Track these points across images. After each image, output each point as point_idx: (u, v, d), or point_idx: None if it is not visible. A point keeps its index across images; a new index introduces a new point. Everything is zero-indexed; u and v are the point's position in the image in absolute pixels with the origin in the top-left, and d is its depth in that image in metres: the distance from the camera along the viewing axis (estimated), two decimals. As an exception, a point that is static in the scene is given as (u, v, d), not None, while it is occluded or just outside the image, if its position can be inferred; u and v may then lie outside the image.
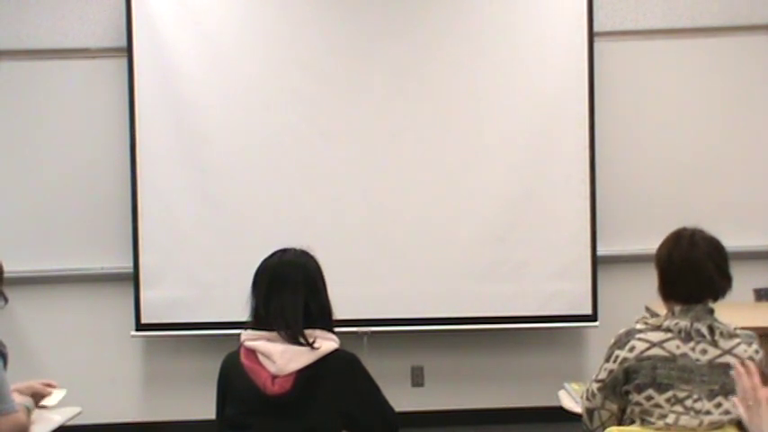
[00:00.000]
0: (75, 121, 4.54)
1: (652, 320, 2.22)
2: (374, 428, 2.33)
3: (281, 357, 2.17)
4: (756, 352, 2.18)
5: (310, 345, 2.19)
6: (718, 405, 2.12)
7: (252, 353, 2.23)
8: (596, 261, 4.35)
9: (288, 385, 2.16)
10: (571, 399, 2.78)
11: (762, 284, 4.23)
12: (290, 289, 2.26)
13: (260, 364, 2.20)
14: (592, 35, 4.35)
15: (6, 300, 2.68)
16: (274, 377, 2.17)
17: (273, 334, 2.22)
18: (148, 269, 4.35)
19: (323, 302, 2.31)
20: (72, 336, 4.57)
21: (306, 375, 2.17)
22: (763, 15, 4.53)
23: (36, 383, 2.80)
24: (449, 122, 4.37)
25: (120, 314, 4.44)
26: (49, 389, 2.82)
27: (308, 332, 2.22)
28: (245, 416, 2.21)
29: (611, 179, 4.48)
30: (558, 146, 4.35)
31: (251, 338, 2.25)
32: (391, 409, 2.37)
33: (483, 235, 4.36)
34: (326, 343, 2.23)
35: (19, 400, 2.59)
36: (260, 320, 2.27)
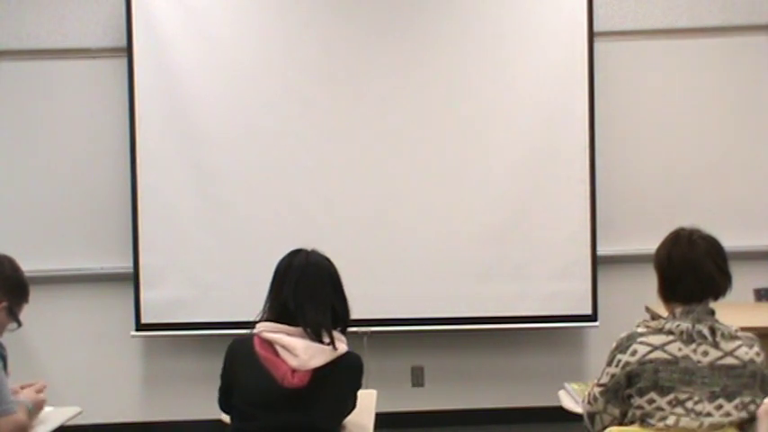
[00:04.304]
0: (75, 121, 4.54)
1: (653, 323, 2.22)
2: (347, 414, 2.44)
3: (304, 352, 2.23)
4: (758, 354, 2.17)
5: (333, 344, 2.26)
6: (719, 407, 2.12)
7: (269, 344, 2.27)
8: (596, 261, 4.35)
9: (306, 379, 2.23)
10: (571, 399, 2.77)
11: (762, 284, 4.23)
12: (319, 289, 2.33)
13: (278, 356, 2.25)
14: (592, 35, 4.35)
15: (20, 324, 2.67)
16: (294, 370, 2.23)
17: (295, 329, 2.27)
18: (148, 269, 4.35)
19: (346, 305, 2.40)
20: (72, 336, 4.57)
21: (321, 373, 2.24)
22: (762, 15, 4.53)
23: (30, 392, 2.69)
24: (448, 123, 4.37)
25: (120, 314, 4.44)
26: (41, 396, 2.74)
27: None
28: (253, 406, 2.25)
29: (611, 179, 4.48)
30: (558, 146, 4.34)
31: (270, 330, 2.29)
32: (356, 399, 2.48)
33: (483, 235, 4.36)
34: (342, 345, 2.31)
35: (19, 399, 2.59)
36: (285, 315, 2.30)
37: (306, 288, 2.31)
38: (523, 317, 4.36)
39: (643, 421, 2.15)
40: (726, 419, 2.12)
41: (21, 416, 2.52)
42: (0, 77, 4.54)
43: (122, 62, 4.39)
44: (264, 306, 2.37)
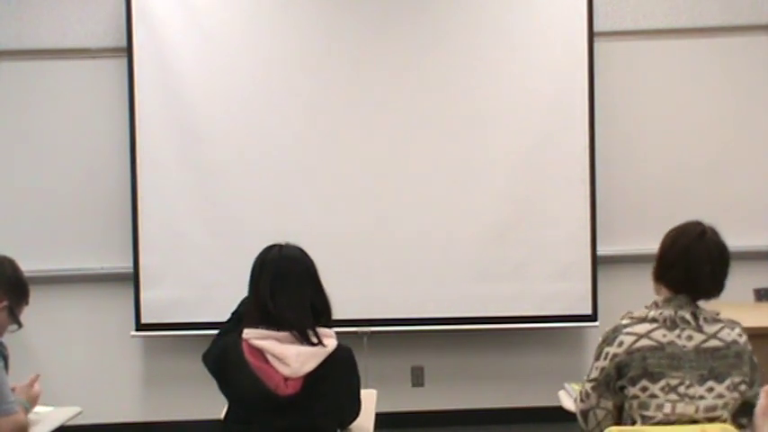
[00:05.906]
0: (75, 121, 4.55)
1: (637, 314, 2.26)
2: (350, 416, 2.39)
3: (296, 360, 2.18)
4: (740, 335, 2.21)
5: (321, 343, 2.22)
6: (711, 389, 2.15)
7: (258, 352, 2.21)
8: (596, 261, 4.36)
9: (299, 385, 2.19)
10: (571, 399, 2.78)
11: (762, 284, 4.22)
12: (295, 284, 2.27)
13: (269, 364, 2.19)
14: (592, 35, 4.35)
15: (20, 325, 2.67)
16: (287, 379, 2.18)
17: (283, 334, 2.21)
18: (148, 269, 4.35)
19: (325, 298, 2.32)
20: (72, 336, 4.57)
21: (314, 375, 2.20)
22: (763, 15, 4.53)
23: (25, 388, 2.70)
24: (449, 123, 4.37)
25: (120, 314, 4.44)
26: (35, 389, 2.74)
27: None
28: (249, 411, 2.22)
29: (611, 179, 4.48)
30: (558, 146, 4.35)
31: (258, 337, 2.22)
32: (360, 400, 2.43)
33: (483, 235, 4.36)
34: (330, 340, 2.26)
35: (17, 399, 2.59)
36: (266, 316, 2.24)
37: (282, 286, 2.25)
38: (523, 317, 4.37)
39: (642, 416, 2.16)
40: (720, 401, 2.14)
41: (21, 416, 2.52)
42: (0, 77, 4.54)
43: (122, 62, 4.40)
44: (247, 304, 2.32)
